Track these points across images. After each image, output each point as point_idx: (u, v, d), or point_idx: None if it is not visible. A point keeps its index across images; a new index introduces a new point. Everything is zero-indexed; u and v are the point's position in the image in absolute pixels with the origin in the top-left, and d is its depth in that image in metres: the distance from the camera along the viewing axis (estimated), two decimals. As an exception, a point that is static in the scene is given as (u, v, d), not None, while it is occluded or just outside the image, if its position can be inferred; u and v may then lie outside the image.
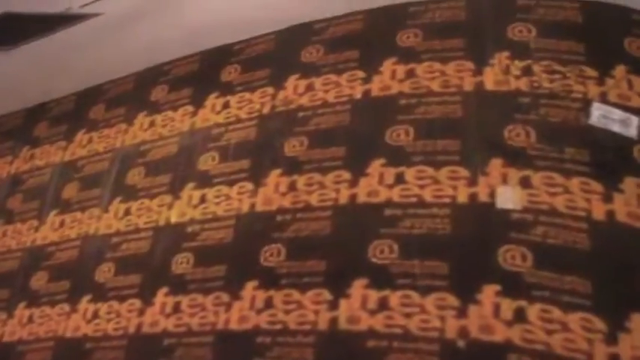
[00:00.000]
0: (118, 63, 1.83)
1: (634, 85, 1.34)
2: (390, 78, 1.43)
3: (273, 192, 1.42)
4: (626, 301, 1.14)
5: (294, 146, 1.45)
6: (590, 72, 1.34)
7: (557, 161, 1.27)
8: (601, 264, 1.18)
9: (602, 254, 1.19)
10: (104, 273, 1.55)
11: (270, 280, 1.32)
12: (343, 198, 1.34)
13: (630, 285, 1.15)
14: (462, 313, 1.16)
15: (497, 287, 1.17)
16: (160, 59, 1.79)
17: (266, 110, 1.55)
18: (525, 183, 1.26)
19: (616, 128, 1.31)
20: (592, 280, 1.16)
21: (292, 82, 1.54)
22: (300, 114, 1.49)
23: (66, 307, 1.56)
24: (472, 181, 1.27)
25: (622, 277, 1.17)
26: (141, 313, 1.44)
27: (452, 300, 1.17)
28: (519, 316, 1.14)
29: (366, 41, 1.52)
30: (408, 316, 1.18)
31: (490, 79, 1.37)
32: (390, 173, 1.32)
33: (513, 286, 1.17)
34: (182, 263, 1.45)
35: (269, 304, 1.30)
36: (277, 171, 1.44)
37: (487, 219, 1.23)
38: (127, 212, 1.60)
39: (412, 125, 1.36)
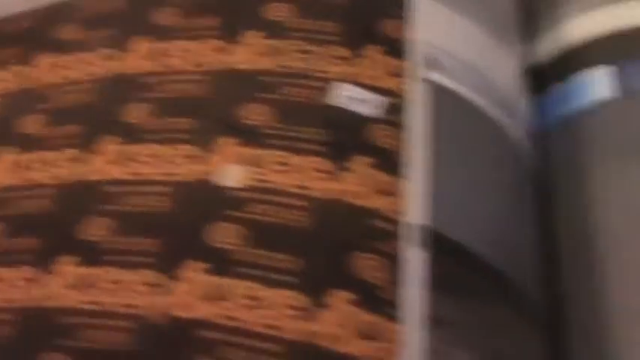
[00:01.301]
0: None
1: (383, 66, 1.34)
2: (140, 57, 1.41)
3: None
4: (331, 280, 1.14)
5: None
6: (342, 51, 1.35)
7: (293, 140, 1.26)
8: (318, 242, 1.18)
9: (321, 233, 1.19)
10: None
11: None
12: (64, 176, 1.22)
13: (341, 263, 1.16)
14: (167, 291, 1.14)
15: (203, 265, 1.17)
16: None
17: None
18: (255, 161, 1.25)
19: (356, 107, 1.31)
20: (304, 258, 1.16)
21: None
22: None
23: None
24: (198, 159, 1.26)
25: (335, 255, 1.17)
26: None
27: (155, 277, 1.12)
28: (222, 294, 1.14)
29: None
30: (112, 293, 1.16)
31: (238, 57, 1.37)
32: (119, 151, 1.30)
33: (221, 263, 1.16)
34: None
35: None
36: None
37: (204, 196, 1.22)
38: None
39: (151, 103, 1.35)
